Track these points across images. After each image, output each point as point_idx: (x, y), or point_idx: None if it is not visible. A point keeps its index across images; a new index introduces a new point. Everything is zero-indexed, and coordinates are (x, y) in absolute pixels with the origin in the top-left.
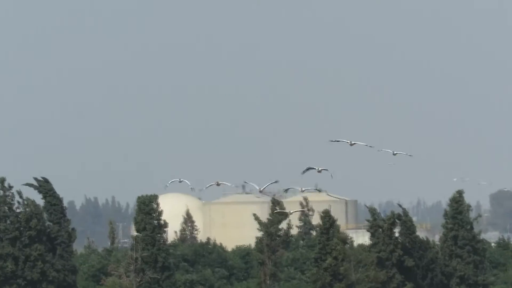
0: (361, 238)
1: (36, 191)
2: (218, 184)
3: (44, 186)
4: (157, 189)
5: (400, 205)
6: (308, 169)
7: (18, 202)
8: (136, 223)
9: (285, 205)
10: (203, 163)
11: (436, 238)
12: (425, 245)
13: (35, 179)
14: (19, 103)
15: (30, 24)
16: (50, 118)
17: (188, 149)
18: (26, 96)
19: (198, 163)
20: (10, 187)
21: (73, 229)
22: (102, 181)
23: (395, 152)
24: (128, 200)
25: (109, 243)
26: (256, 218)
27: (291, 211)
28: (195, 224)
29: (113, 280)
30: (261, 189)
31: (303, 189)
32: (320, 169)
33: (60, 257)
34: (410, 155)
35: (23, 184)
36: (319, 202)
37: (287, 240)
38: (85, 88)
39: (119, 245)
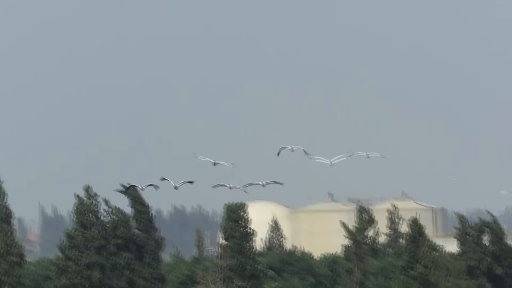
0: (450, 246)
1: (127, 198)
2: (214, 164)
3: (132, 194)
4: (243, 196)
5: (489, 212)
6: (281, 149)
7: (105, 211)
8: (223, 231)
9: (374, 213)
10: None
11: None
12: None
13: (122, 186)
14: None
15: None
16: (133, 128)
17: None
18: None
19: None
20: (96, 196)
21: (162, 237)
22: (188, 189)
23: (368, 154)
24: (215, 208)
25: (195, 251)
26: (344, 225)
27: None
28: (282, 232)
29: None
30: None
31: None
32: (292, 148)
33: (148, 265)
34: (383, 156)
35: (114, 190)
36: (406, 210)
37: (374, 248)
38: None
39: (206, 253)
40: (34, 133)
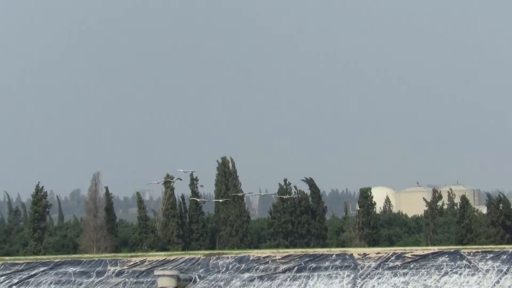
0: (483, 210)
1: (307, 185)
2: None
3: (309, 182)
4: (370, 183)
5: (500, 192)
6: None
7: (294, 192)
8: (359, 204)
9: (441, 192)
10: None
11: None
12: None
13: (306, 179)
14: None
15: None
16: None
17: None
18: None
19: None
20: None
21: (325, 206)
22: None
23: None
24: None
25: (343, 215)
26: (424, 199)
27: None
28: (391, 203)
29: None
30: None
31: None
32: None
33: (318, 221)
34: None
35: (302, 180)
36: (459, 191)
37: (441, 211)
38: None
39: (350, 215)
40: None
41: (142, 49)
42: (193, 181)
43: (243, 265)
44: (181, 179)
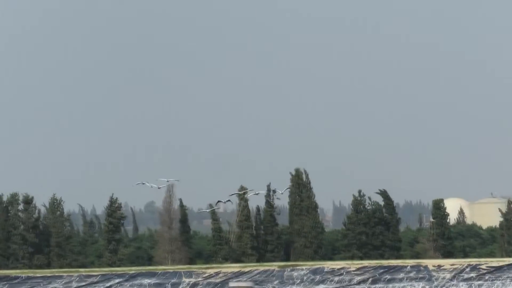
0: None
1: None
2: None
3: (383, 194)
4: (442, 194)
5: None
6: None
7: (368, 203)
8: (432, 215)
9: None
10: None
11: None
12: None
13: (380, 191)
14: None
15: None
16: None
17: None
18: None
19: None
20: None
21: (399, 218)
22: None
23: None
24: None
25: (417, 226)
26: (500, 210)
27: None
28: (464, 214)
29: None
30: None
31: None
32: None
33: (392, 233)
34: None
35: (376, 193)
36: None
37: None
38: None
39: (424, 226)
40: None
41: None
42: (269, 193)
43: (318, 276)
44: (257, 193)
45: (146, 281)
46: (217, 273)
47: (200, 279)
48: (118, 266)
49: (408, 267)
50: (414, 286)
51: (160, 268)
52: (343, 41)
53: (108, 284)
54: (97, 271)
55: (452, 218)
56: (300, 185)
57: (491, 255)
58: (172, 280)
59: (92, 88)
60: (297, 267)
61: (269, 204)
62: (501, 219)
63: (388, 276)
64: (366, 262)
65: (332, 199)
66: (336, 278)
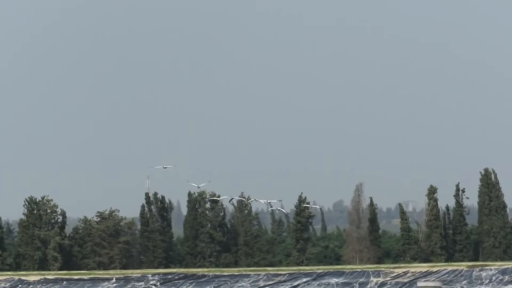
0: None
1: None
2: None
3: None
4: None
5: None
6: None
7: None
8: None
9: None
10: None
11: None
12: None
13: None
14: None
15: None
16: None
17: None
18: None
19: None
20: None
21: None
22: None
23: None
24: None
25: None
26: None
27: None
28: None
29: None
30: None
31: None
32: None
33: None
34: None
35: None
36: None
37: None
38: None
39: None
40: None
41: None
42: (458, 192)
43: (507, 277)
44: (269, 204)
45: (334, 280)
46: (405, 273)
47: (388, 278)
48: (306, 265)
49: None
50: None
51: (348, 267)
52: None
53: (295, 283)
54: (284, 270)
55: None
56: (489, 185)
57: None
58: (360, 280)
59: None
60: (486, 267)
61: (459, 203)
62: None
63: None
64: None
65: None
66: None
